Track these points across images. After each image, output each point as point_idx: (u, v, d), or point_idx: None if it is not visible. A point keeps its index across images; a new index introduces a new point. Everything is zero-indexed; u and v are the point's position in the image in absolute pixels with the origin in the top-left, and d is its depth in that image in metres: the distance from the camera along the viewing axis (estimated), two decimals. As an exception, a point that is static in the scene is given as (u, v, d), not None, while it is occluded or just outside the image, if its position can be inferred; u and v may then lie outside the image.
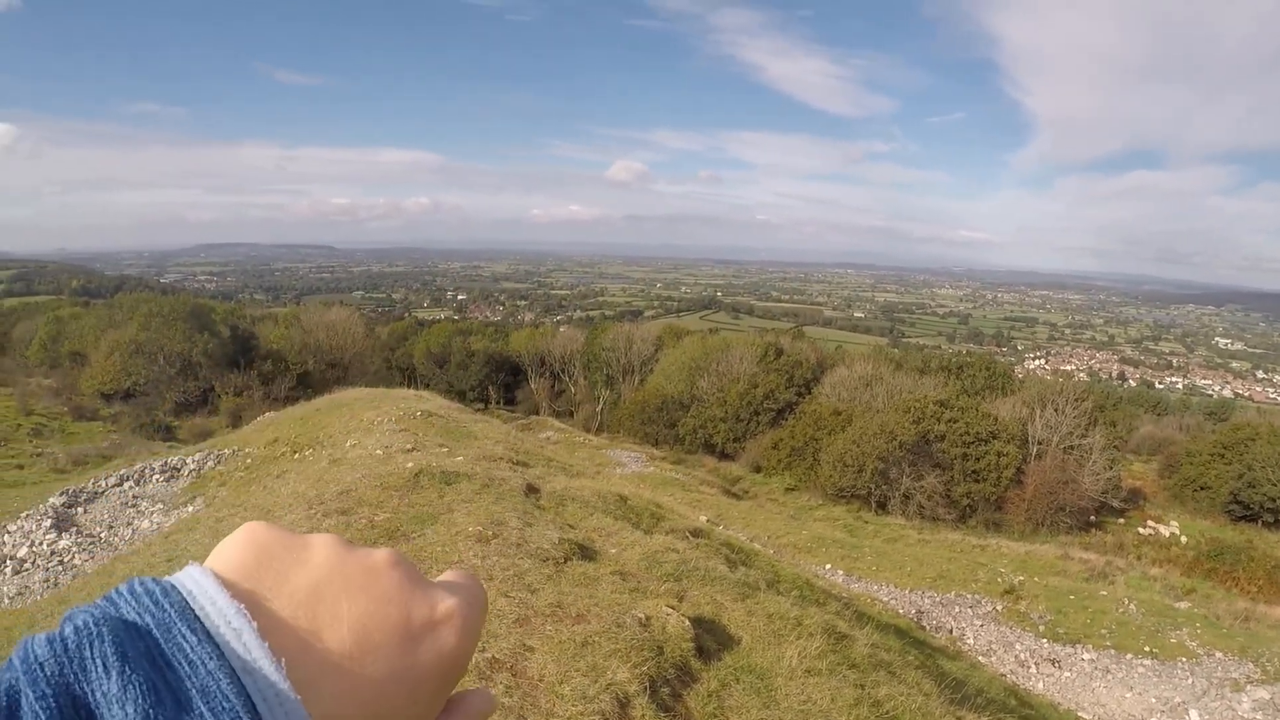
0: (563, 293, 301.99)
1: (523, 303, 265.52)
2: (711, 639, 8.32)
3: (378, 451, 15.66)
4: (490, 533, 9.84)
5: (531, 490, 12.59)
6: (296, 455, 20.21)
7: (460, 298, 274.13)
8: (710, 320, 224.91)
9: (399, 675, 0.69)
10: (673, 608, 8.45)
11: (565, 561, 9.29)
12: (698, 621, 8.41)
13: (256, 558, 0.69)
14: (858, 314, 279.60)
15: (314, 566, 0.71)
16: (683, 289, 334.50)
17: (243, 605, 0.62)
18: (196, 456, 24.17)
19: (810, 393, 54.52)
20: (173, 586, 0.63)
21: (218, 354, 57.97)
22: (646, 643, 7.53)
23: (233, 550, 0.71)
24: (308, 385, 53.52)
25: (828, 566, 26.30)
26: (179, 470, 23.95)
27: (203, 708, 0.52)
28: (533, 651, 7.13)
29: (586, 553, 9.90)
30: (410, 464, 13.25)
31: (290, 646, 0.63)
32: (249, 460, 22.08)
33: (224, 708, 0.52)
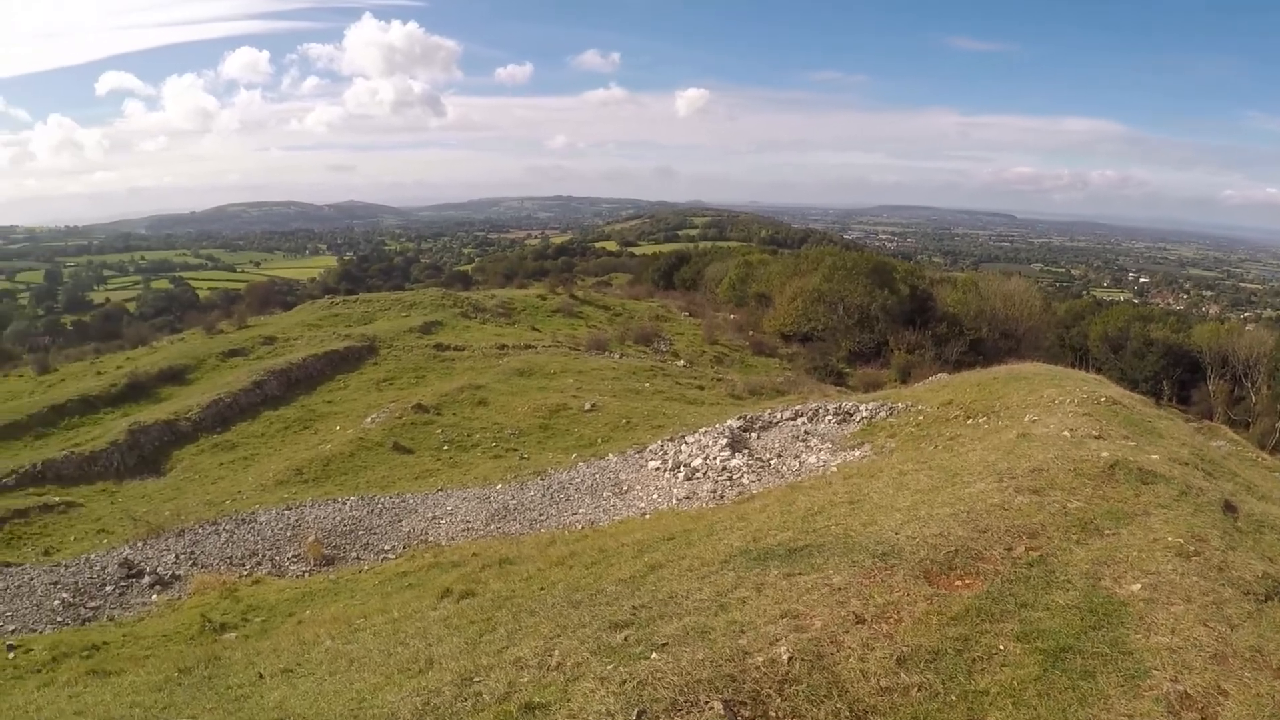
0: (1253, 286, 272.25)
1: (1209, 293, 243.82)
2: None
3: (1064, 433, 14.95)
4: (1191, 548, 8.99)
5: (1229, 508, 11.35)
6: (969, 421, 19.97)
7: (1142, 280, 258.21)
8: None
9: None
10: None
11: (1266, 600, 8.28)
12: None
13: None
14: None
15: None
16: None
17: None
18: (870, 405, 24.75)
19: None
20: None
21: (895, 310, 59.40)
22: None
23: None
24: (979, 352, 53.27)
25: None
26: (851, 415, 24.71)
27: None
28: (1226, 696, 6.50)
29: (1287, 594, 8.70)
30: (1105, 454, 12.51)
31: None
32: (920, 417, 22.20)
33: None
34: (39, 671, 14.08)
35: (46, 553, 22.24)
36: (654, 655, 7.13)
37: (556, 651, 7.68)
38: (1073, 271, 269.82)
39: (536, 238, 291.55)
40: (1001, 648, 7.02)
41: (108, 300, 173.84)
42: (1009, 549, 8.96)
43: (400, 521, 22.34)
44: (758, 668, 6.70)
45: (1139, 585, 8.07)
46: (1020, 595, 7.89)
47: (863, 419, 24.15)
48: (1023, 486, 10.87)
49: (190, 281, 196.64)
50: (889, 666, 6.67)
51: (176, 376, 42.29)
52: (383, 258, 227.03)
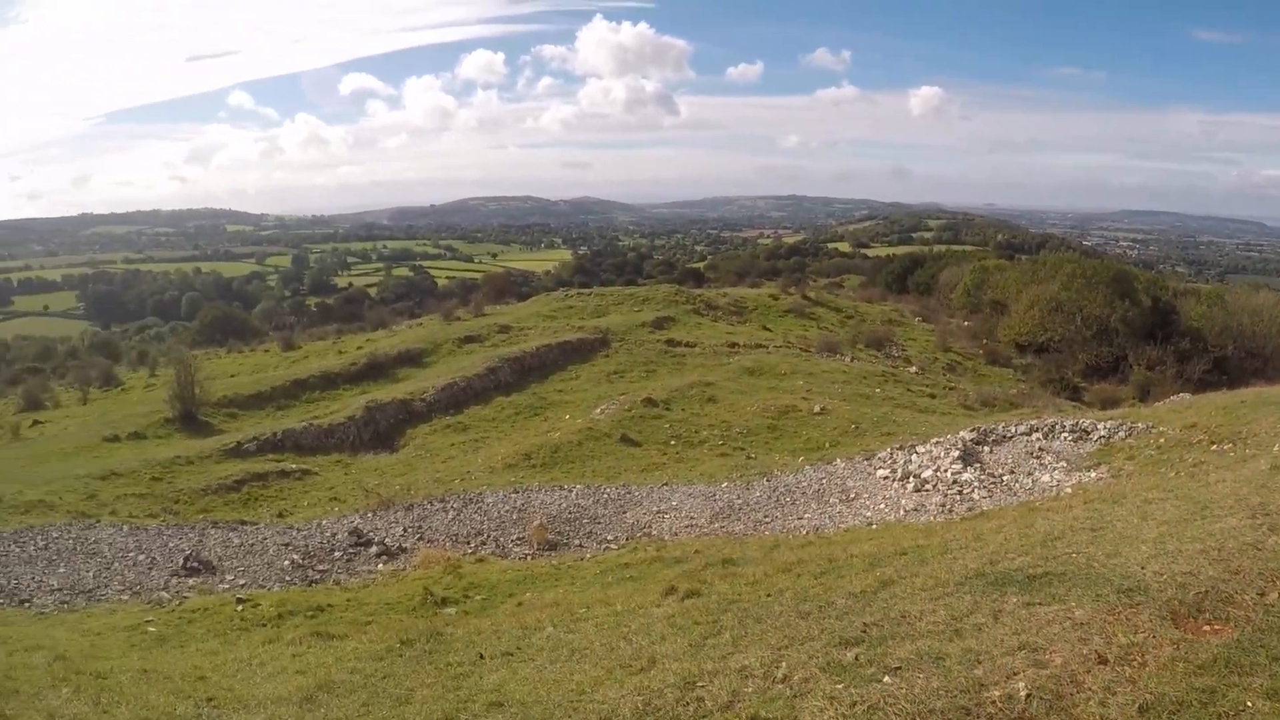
0: None
1: None
2: None
3: (1324, 468, 14.28)
4: None
5: None
6: (1214, 446, 19.27)
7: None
8: None
9: None
10: None
11: None
12: None
13: None
14: None
15: None
16: None
17: None
18: (1108, 424, 24.08)
19: None
20: None
21: (1136, 323, 56.96)
22: None
23: None
24: (1223, 371, 50.67)
25: None
26: (1088, 434, 24.11)
27: None
28: None
29: None
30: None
31: None
32: (1161, 440, 21.48)
33: None
34: (264, 626, 14.86)
35: (280, 515, 23.81)
36: (886, 679, 7.01)
37: (784, 663, 7.66)
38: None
39: (769, 237, 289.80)
40: (1249, 704, 6.39)
41: (350, 285, 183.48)
42: (1261, 594, 8.45)
43: (625, 513, 22.71)
44: (993, 702, 6.48)
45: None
46: (1272, 647, 7.27)
47: (1100, 438, 23.50)
48: (1276, 525, 10.37)
49: (429, 270, 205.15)
50: (1130, 715, 6.28)
51: (413, 359, 44.40)
52: (616, 253, 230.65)
